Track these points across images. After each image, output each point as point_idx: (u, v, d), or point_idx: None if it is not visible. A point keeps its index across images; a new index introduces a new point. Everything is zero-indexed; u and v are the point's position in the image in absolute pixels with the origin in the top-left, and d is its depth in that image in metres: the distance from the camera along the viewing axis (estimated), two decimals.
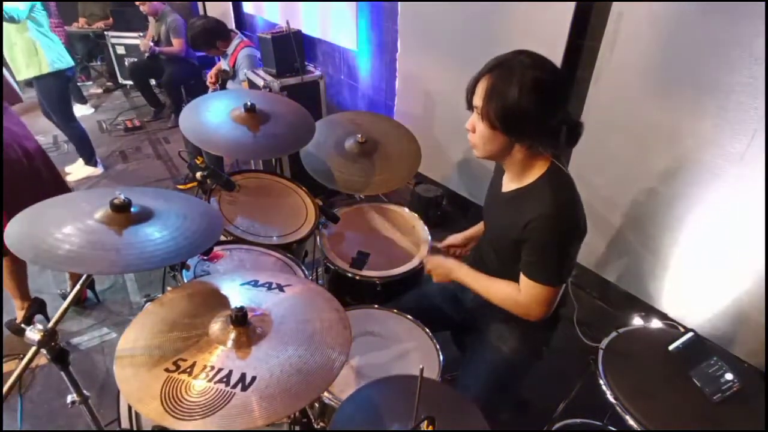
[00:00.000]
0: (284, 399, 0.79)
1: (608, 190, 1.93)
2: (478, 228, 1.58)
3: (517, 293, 1.22)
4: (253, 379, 0.82)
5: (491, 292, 1.28)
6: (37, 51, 3.12)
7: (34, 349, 1.00)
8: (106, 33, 5.43)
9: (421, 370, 0.81)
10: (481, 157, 1.20)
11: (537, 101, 1.05)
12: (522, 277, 1.19)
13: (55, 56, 3.21)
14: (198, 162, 1.60)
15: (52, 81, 3.25)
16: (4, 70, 1.91)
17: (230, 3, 5.46)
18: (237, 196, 1.70)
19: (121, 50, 5.47)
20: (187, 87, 4.44)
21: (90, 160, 3.70)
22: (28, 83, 3.32)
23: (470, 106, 1.15)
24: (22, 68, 3.16)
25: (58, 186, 2.13)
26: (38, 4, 3.08)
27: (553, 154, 1.17)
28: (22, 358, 1.01)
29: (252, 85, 3.17)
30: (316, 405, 1.21)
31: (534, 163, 1.17)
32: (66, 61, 3.29)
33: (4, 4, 2.93)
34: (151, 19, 4.41)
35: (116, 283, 2.58)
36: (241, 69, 3.24)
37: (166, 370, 0.84)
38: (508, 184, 1.25)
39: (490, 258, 1.35)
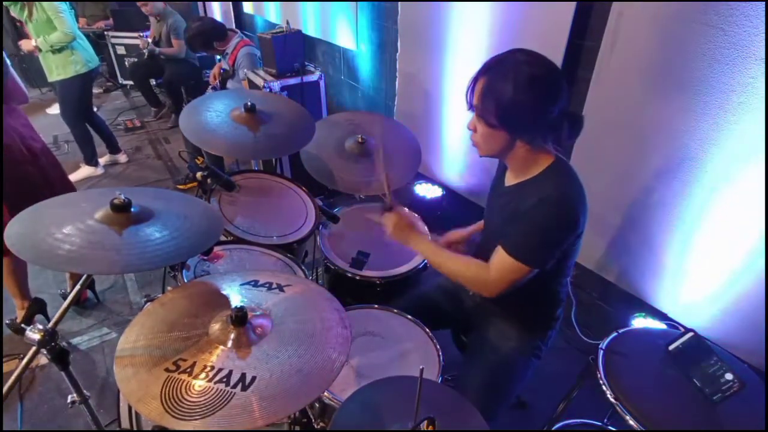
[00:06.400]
0: (284, 399, 0.79)
1: (608, 190, 1.93)
2: (481, 224, 1.57)
3: (480, 265, 1.20)
4: (253, 379, 0.82)
5: (451, 264, 1.26)
6: (72, 52, 3.16)
7: (34, 349, 1.00)
8: (106, 33, 5.43)
9: (421, 371, 0.81)
10: (484, 155, 1.20)
11: (532, 96, 1.06)
12: (498, 250, 1.17)
13: (88, 56, 3.27)
14: (198, 162, 1.61)
15: (84, 80, 3.31)
16: (12, 70, 1.91)
17: (230, 3, 5.47)
18: (237, 196, 1.70)
19: (121, 50, 5.48)
20: (187, 87, 4.44)
21: (91, 161, 3.70)
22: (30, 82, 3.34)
23: (470, 107, 1.16)
24: (56, 69, 3.18)
25: (64, 185, 2.13)
26: (67, 4, 3.10)
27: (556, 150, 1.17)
28: (22, 358, 1.01)
29: (252, 85, 3.17)
30: (316, 405, 1.21)
31: (537, 158, 1.17)
32: (95, 60, 3.37)
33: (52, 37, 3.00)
34: (152, 19, 4.41)
35: (116, 283, 2.58)
36: (241, 68, 3.24)
37: (167, 370, 0.84)
38: (511, 179, 1.25)
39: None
